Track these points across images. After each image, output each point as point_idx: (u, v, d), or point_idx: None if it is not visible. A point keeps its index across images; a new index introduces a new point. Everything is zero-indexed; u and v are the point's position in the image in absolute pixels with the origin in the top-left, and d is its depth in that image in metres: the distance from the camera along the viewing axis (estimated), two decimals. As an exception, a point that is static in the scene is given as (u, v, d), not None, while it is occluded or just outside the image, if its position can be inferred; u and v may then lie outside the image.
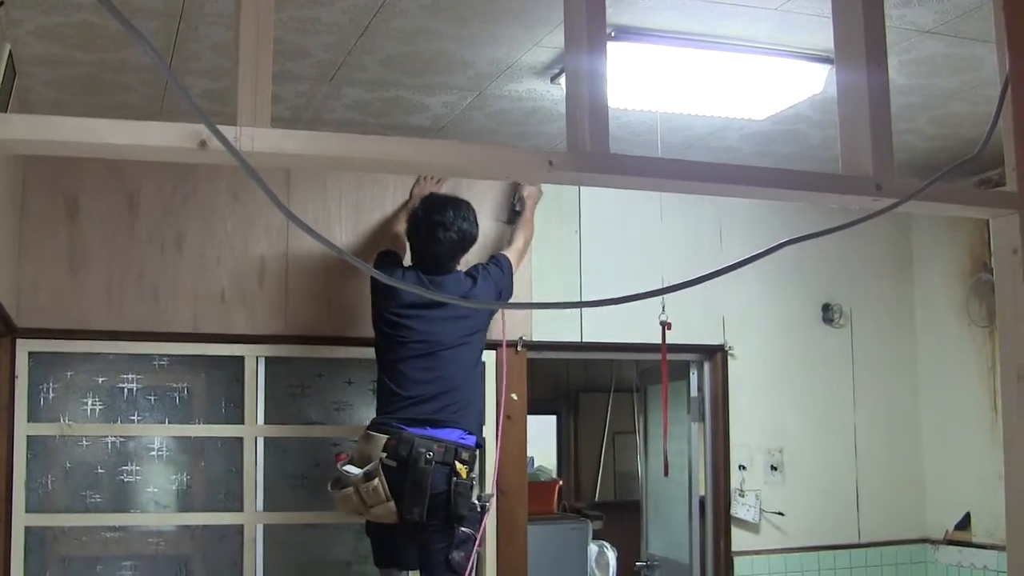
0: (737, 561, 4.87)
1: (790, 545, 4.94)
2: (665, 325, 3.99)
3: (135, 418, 4.17)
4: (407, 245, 4.09)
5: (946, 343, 5.09)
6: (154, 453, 4.19)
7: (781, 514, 4.89)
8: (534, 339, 4.58)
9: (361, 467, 3.70)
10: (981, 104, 3.89)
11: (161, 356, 4.20)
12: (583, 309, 4.68)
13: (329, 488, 3.82)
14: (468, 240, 3.99)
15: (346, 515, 3.91)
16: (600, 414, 8.40)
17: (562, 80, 3.60)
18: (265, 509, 4.25)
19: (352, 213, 4.37)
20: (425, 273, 3.92)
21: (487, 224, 4.34)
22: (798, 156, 4.58)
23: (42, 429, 4.05)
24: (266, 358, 4.29)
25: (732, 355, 4.92)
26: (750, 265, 5.18)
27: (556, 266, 4.66)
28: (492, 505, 4.17)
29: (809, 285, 5.10)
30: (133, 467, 4.16)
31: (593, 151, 1.83)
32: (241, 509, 4.21)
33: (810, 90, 3.64)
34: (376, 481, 3.64)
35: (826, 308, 5.11)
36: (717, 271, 1.79)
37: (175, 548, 4.20)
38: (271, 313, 4.26)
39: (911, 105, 3.96)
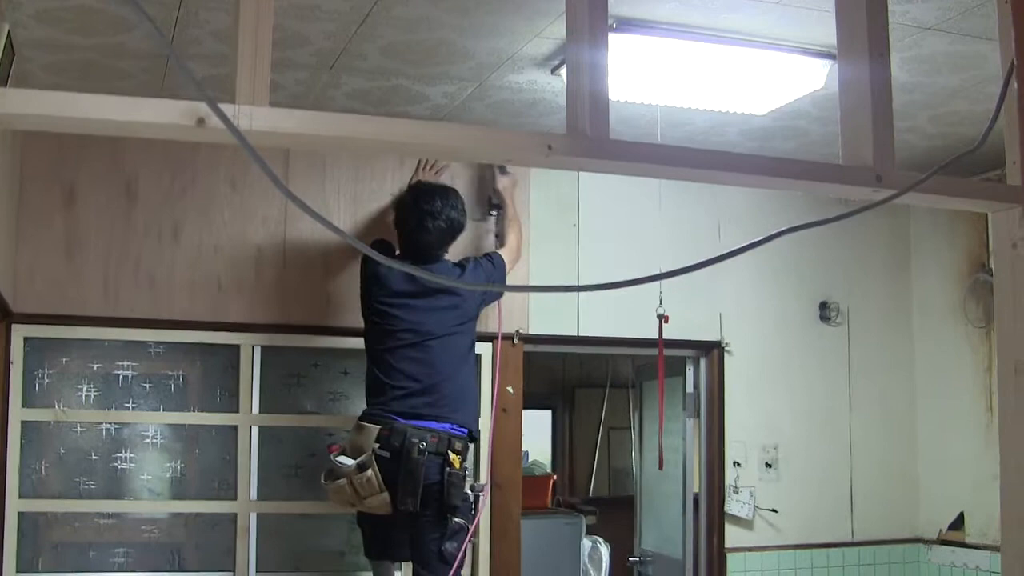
0: (730, 557, 4.86)
1: (783, 542, 4.94)
2: (662, 318, 3.98)
3: (130, 405, 4.15)
4: None
5: (943, 343, 5.09)
6: (148, 440, 4.18)
7: (775, 511, 4.89)
8: (531, 332, 4.57)
9: (354, 458, 3.70)
10: (982, 102, 3.88)
11: (157, 343, 4.19)
12: (580, 303, 4.67)
13: (322, 480, 3.81)
14: (456, 229, 3.99)
15: (340, 507, 3.90)
16: (595, 409, 8.41)
17: (563, 72, 3.60)
18: (259, 498, 4.24)
19: (350, 205, 4.36)
20: (414, 262, 3.90)
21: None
22: (798, 152, 4.57)
23: (36, 415, 4.04)
24: (262, 347, 4.28)
25: (728, 352, 4.92)
26: (748, 262, 5.23)
27: (554, 259, 4.65)
28: (485, 495, 4.17)
29: (806, 283, 5.09)
30: (127, 454, 4.15)
31: (593, 136, 1.83)
32: (235, 498, 4.20)
33: (811, 85, 3.64)
34: (369, 472, 3.64)
35: (823, 306, 5.11)
36: (715, 258, 1.79)
37: (168, 536, 4.19)
38: (267, 302, 4.25)
39: (912, 103, 3.96)
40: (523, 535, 4.54)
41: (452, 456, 3.71)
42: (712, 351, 4.93)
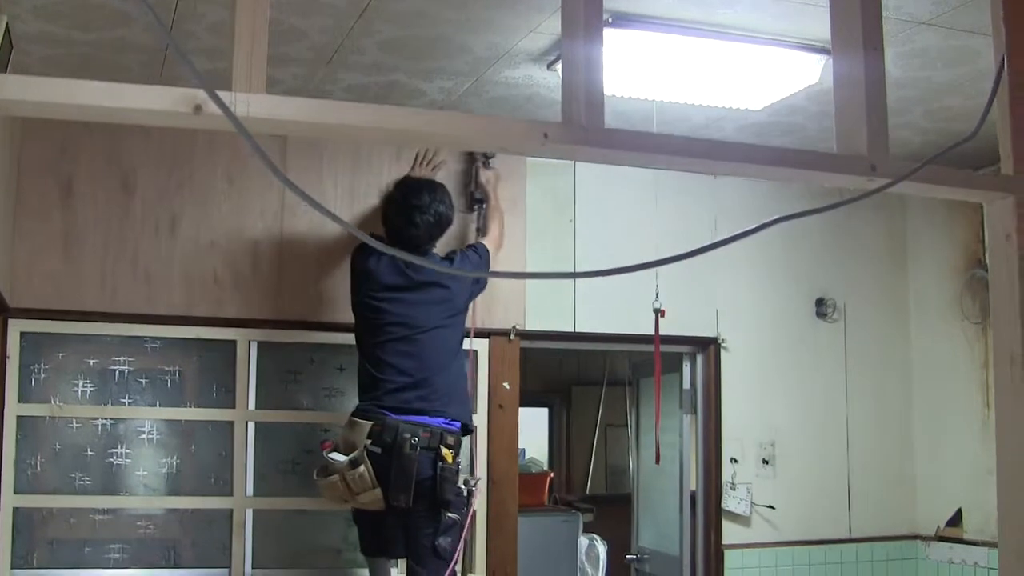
0: (728, 554, 4.87)
1: (781, 539, 4.94)
2: (659, 313, 3.99)
3: (126, 400, 4.15)
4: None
5: (939, 339, 5.10)
6: (144, 436, 4.18)
7: (772, 507, 4.89)
8: (527, 328, 4.58)
9: (346, 454, 3.69)
10: (976, 98, 3.89)
11: (153, 339, 4.19)
12: (576, 299, 4.67)
13: (315, 476, 3.80)
14: (444, 223, 4.00)
15: (332, 503, 3.89)
16: (592, 407, 8.41)
17: (559, 67, 3.60)
18: (255, 494, 4.24)
19: (347, 199, 4.36)
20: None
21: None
22: (794, 148, 4.58)
23: (32, 410, 4.04)
24: (258, 343, 4.28)
25: (725, 348, 4.92)
26: (744, 258, 5.22)
27: (551, 255, 4.65)
28: (479, 490, 4.16)
29: (803, 279, 5.10)
30: (123, 450, 4.15)
31: (588, 124, 1.83)
32: (231, 494, 4.20)
33: (807, 80, 3.64)
34: (362, 468, 3.63)
35: (820, 302, 5.11)
36: (711, 244, 1.79)
37: (164, 532, 4.19)
38: (264, 298, 4.26)
39: (906, 98, 3.97)
40: (520, 533, 4.54)
41: (444, 451, 3.70)
42: (709, 347, 4.94)
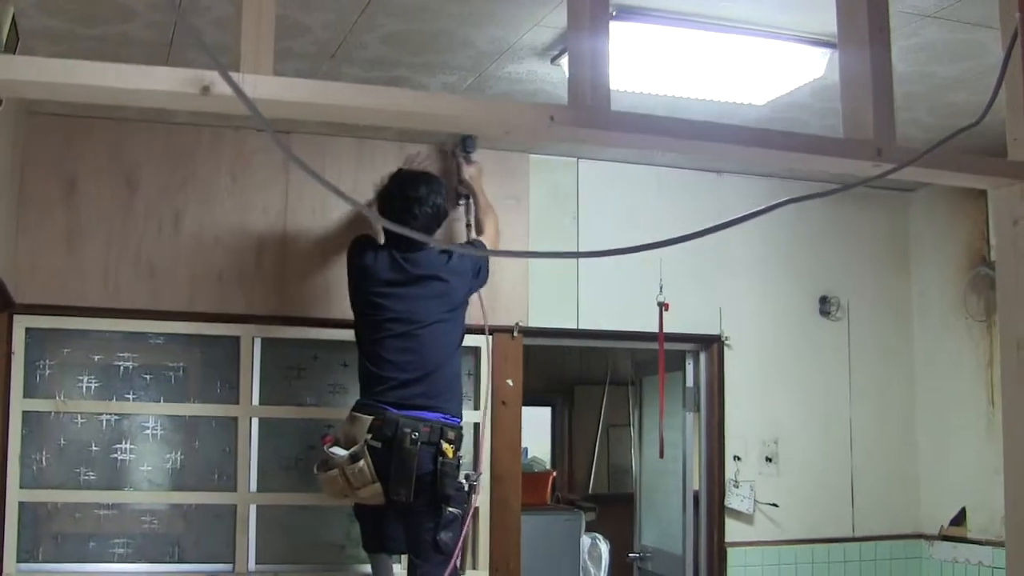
0: (731, 552, 4.86)
1: (784, 537, 4.93)
2: (662, 306, 3.99)
3: (130, 396, 4.17)
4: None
5: (943, 338, 5.09)
6: (148, 431, 4.19)
7: (775, 505, 4.89)
8: (530, 325, 4.58)
9: (347, 448, 3.68)
10: (981, 93, 3.89)
11: (157, 335, 4.20)
12: (579, 295, 4.67)
13: (315, 470, 3.80)
14: (442, 215, 3.99)
15: (332, 498, 3.88)
16: (595, 407, 8.41)
17: (562, 61, 3.61)
18: (258, 490, 4.25)
19: (350, 193, 4.33)
20: (399, 251, 3.88)
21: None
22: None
23: (37, 405, 4.05)
24: (262, 339, 4.29)
25: (728, 346, 4.92)
26: (748, 256, 5.21)
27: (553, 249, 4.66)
28: (480, 485, 4.16)
29: (806, 277, 5.10)
30: (127, 445, 4.16)
31: (594, 107, 1.84)
32: (234, 489, 4.21)
33: (811, 74, 3.64)
34: (362, 462, 3.62)
35: (823, 301, 5.11)
36: (716, 226, 1.79)
37: (168, 527, 4.19)
38: (268, 293, 4.26)
39: (911, 94, 3.96)
40: (522, 532, 4.55)
41: (445, 446, 3.69)
42: (712, 345, 4.94)
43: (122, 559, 4.11)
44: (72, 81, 1.61)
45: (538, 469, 7.27)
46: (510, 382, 4.51)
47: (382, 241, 4.00)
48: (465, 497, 3.78)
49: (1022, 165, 2.12)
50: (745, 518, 4.88)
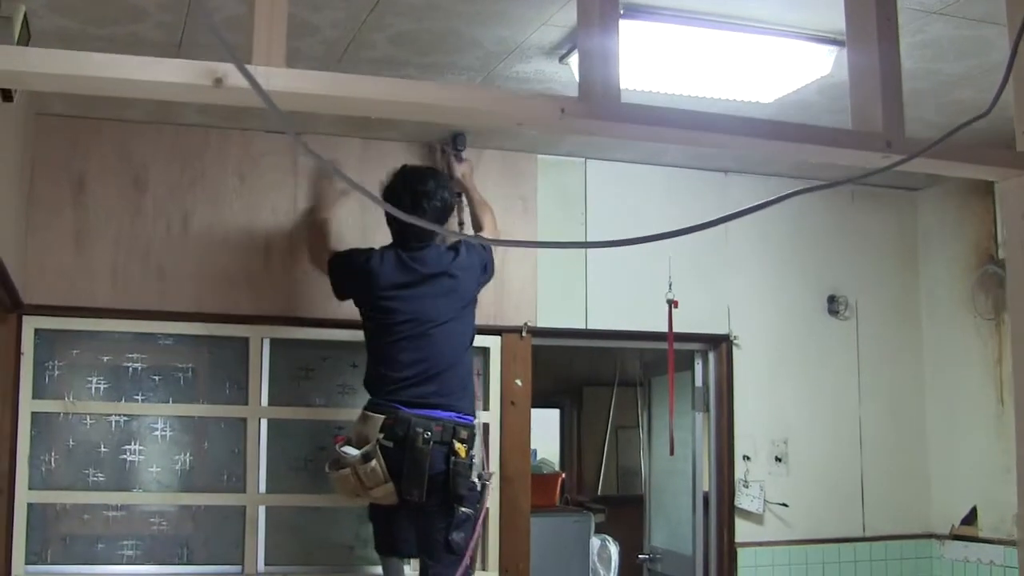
0: (741, 552, 4.85)
1: (794, 537, 4.93)
2: (672, 303, 3.98)
3: (139, 397, 4.17)
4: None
5: (952, 336, 5.09)
6: (157, 433, 4.19)
7: (785, 505, 4.88)
8: (539, 325, 4.58)
9: (359, 448, 3.67)
10: (987, 91, 3.84)
11: (166, 336, 4.21)
12: (588, 295, 4.67)
13: (327, 469, 3.79)
14: (448, 209, 3.98)
15: (345, 498, 3.87)
16: (603, 408, 8.41)
17: (570, 60, 3.62)
18: (267, 491, 4.25)
19: (356, 196, 4.36)
20: (405, 250, 3.86)
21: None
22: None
23: (46, 406, 4.06)
24: (271, 339, 4.30)
25: (737, 345, 4.92)
26: (756, 256, 5.20)
27: (562, 252, 4.65)
28: (493, 484, 4.15)
29: (815, 276, 5.10)
30: (136, 446, 4.16)
31: (605, 99, 1.84)
32: (243, 490, 4.21)
33: (818, 72, 3.64)
34: (374, 462, 3.61)
35: (832, 300, 5.11)
36: (724, 216, 1.80)
37: (176, 528, 4.19)
38: (276, 294, 4.27)
39: (917, 91, 3.96)
40: (532, 533, 4.54)
41: (457, 445, 3.67)
42: (721, 345, 4.94)
43: (131, 561, 4.11)
44: (85, 73, 1.62)
45: (547, 471, 7.26)
46: (519, 382, 4.51)
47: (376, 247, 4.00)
48: (478, 497, 3.76)
49: (1032, 156, 2.12)
50: (755, 518, 4.87)
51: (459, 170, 4.37)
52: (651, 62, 3.59)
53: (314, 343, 4.35)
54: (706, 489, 5.05)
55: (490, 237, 4.23)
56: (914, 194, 5.32)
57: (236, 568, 4.18)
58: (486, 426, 4.44)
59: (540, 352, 4.69)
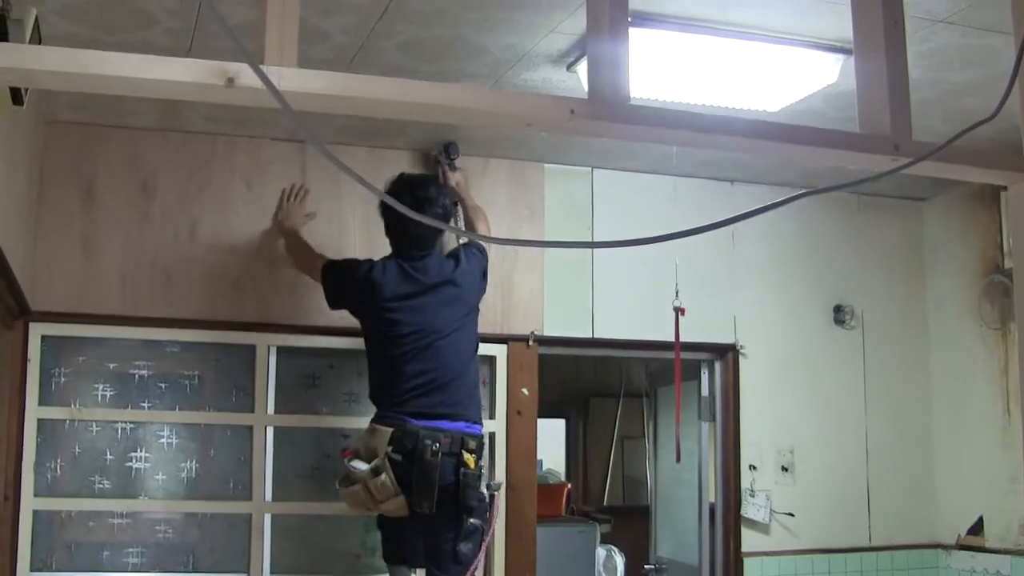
0: (747, 562, 4.84)
1: (800, 547, 4.91)
2: (679, 311, 3.98)
3: (145, 404, 4.17)
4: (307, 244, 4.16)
5: (958, 346, 5.08)
6: (163, 440, 4.19)
7: (791, 515, 4.87)
8: (545, 334, 4.58)
9: (368, 461, 3.66)
10: (993, 99, 3.83)
11: (173, 343, 4.21)
12: (595, 304, 4.68)
13: (337, 486, 3.78)
14: (449, 216, 4.00)
15: (357, 512, 3.87)
16: (609, 418, 8.41)
17: (578, 68, 3.62)
18: (274, 499, 4.24)
19: (362, 204, 4.37)
20: (406, 260, 3.85)
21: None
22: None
23: (52, 413, 4.05)
24: (278, 347, 4.29)
25: (743, 355, 4.91)
26: (762, 265, 5.18)
27: (569, 263, 4.66)
28: (501, 494, 4.14)
29: (821, 286, 5.10)
30: (142, 453, 4.16)
31: (614, 100, 1.84)
32: (250, 498, 4.20)
33: (824, 80, 3.65)
34: (383, 476, 3.60)
35: (837, 309, 5.10)
36: (732, 218, 1.80)
37: (182, 536, 4.19)
38: (283, 302, 4.27)
39: (924, 100, 3.96)
40: (538, 543, 4.52)
41: (466, 456, 3.66)
42: (727, 354, 4.93)
43: (136, 568, 4.10)
44: (96, 72, 1.62)
45: (553, 481, 7.25)
46: (525, 391, 4.51)
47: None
48: (487, 507, 3.75)
49: (1040, 159, 2.12)
50: (761, 528, 4.86)
51: (453, 179, 4.36)
52: (658, 71, 3.60)
53: (321, 351, 4.35)
54: (712, 499, 5.04)
55: (486, 245, 4.20)
56: (920, 204, 5.32)
57: (242, 576, 4.18)
58: (492, 435, 4.44)
59: (547, 363, 4.69)
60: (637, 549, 6.02)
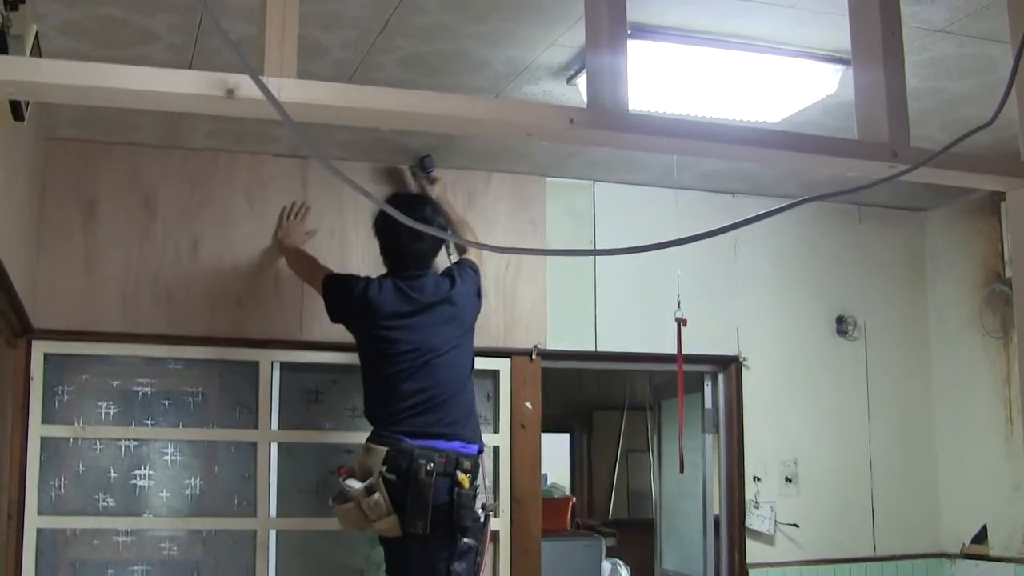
0: (752, 573, 4.83)
1: (805, 557, 4.90)
2: (681, 322, 3.98)
3: (149, 422, 4.17)
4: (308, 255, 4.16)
5: (960, 355, 5.08)
6: (167, 457, 4.19)
7: (796, 526, 4.86)
8: (548, 347, 4.58)
9: (363, 479, 3.65)
10: (992, 108, 3.84)
11: (176, 360, 4.21)
12: (597, 318, 4.68)
13: (331, 503, 3.78)
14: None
15: (349, 530, 3.85)
16: (613, 432, 8.41)
17: (578, 81, 3.64)
18: (278, 515, 4.24)
19: (365, 218, 4.36)
20: (403, 279, 3.84)
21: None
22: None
23: (56, 431, 4.05)
24: (281, 363, 4.29)
25: (746, 366, 4.91)
26: (764, 277, 5.19)
27: (572, 276, 4.67)
28: (502, 507, 4.13)
29: (823, 297, 5.10)
30: (146, 471, 4.15)
31: (614, 109, 1.85)
32: (254, 515, 4.20)
33: (824, 91, 3.66)
34: (377, 495, 3.59)
35: (840, 320, 5.11)
36: (734, 224, 1.81)
37: (187, 553, 4.17)
38: (286, 318, 4.28)
39: (922, 110, 3.97)
40: (543, 558, 4.51)
41: (461, 476, 3.64)
42: (730, 366, 4.93)
43: (141, 586, 4.10)
44: (97, 84, 1.62)
45: (558, 495, 7.25)
46: (529, 405, 4.51)
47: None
48: (481, 527, 3.74)
49: (1040, 164, 2.12)
50: (766, 539, 4.85)
51: (433, 192, 4.34)
52: (657, 82, 3.61)
53: (323, 367, 4.35)
54: (716, 511, 5.03)
55: (475, 255, 4.17)
56: (921, 215, 5.33)
57: (246, 592, 4.17)
58: (496, 449, 4.44)
59: (550, 378, 4.69)
60: (642, 562, 6.01)
